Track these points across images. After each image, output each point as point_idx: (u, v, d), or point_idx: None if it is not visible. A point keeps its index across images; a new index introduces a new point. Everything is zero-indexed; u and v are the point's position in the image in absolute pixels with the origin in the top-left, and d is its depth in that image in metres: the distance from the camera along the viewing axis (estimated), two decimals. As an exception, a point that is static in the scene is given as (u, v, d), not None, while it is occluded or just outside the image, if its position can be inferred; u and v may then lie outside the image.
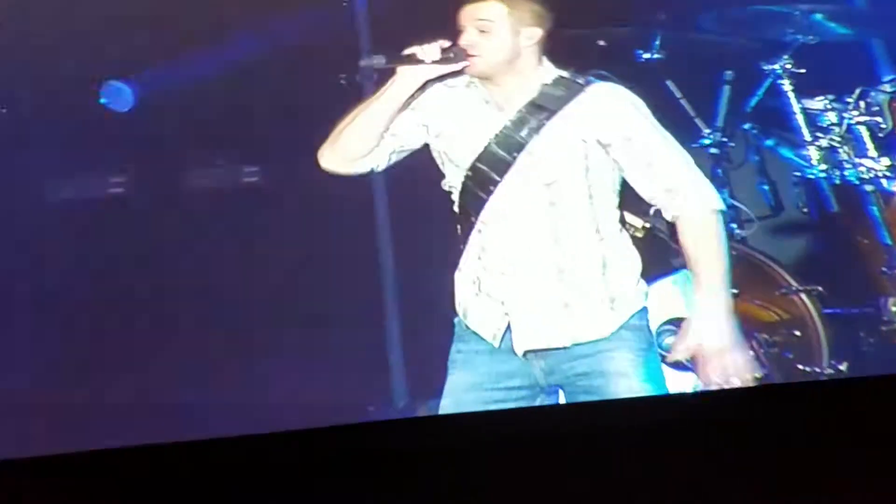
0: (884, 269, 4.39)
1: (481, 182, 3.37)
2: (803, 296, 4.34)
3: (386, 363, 4.72)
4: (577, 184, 3.36)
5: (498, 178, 3.35)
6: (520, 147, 3.35)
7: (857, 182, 4.48)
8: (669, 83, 4.74)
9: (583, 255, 3.37)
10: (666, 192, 3.33)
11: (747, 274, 4.39)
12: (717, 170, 4.67)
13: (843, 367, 4.18)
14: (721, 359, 3.25)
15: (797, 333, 4.32)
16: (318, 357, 4.53)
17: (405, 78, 3.39)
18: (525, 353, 3.35)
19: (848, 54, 4.82)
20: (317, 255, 4.71)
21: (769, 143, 4.69)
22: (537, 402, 3.41)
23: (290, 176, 4.74)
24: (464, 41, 3.37)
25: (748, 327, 4.14)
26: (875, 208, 4.46)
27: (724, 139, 4.70)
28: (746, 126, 4.70)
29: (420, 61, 3.36)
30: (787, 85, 4.61)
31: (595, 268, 3.36)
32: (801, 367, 4.21)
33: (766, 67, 4.61)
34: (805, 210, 4.70)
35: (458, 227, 3.47)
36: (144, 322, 4.63)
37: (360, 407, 4.47)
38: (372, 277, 4.77)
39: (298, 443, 3.75)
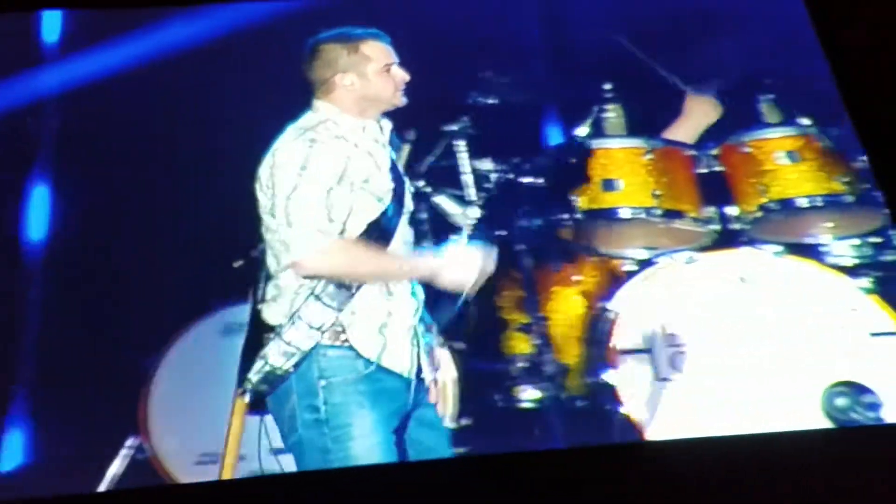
0: (522, 327, 4.60)
1: (394, 212, 3.49)
2: (445, 350, 4.14)
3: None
4: None
5: (407, 204, 3.52)
6: (403, 171, 3.59)
7: (512, 241, 4.67)
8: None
9: None
10: None
11: None
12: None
13: (467, 422, 4.25)
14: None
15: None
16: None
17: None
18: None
19: (521, 119, 5.06)
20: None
21: (437, 200, 4.68)
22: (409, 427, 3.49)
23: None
24: (401, 76, 3.57)
25: None
26: (524, 267, 4.67)
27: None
28: (420, 184, 4.74)
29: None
30: (461, 146, 4.77)
31: None
32: None
33: (444, 128, 4.76)
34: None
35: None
36: None
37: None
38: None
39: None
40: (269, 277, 3.48)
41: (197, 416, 4.30)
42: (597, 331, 4.54)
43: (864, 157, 4.64)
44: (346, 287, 3.38)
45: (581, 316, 4.65)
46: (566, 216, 4.74)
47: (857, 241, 4.70)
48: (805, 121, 4.83)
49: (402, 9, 5.09)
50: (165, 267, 4.62)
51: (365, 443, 3.33)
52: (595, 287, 4.71)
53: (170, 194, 4.77)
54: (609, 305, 4.56)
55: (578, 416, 4.41)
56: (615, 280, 4.68)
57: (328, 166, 3.39)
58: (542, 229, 4.76)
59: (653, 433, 4.28)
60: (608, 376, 4.42)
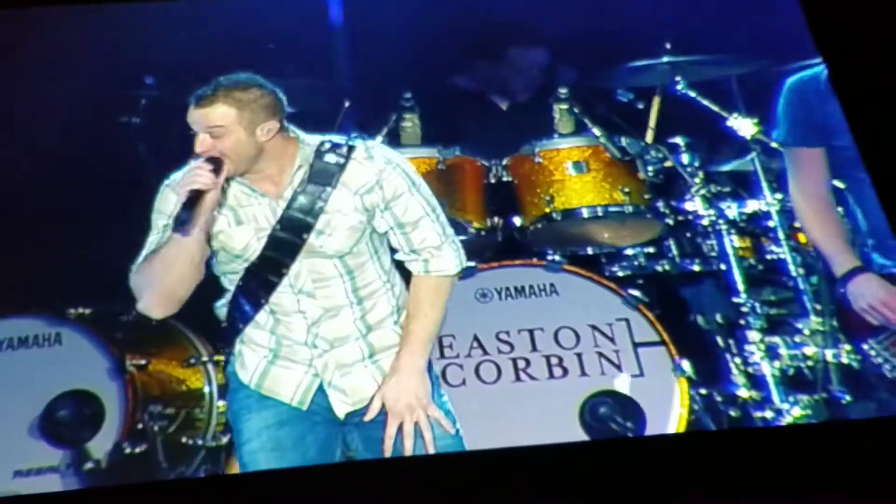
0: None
1: (272, 267, 3.39)
2: (210, 366, 4.39)
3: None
4: (364, 247, 3.46)
5: (290, 262, 3.38)
6: (307, 227, 3.38)
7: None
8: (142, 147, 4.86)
9: (381, 308, 3.48)
10: (412, 252, 3.49)
11: (160, 344, 4.46)
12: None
13: (226, 439, 4.25)
14: (404, 419, 3.37)
15: (191, 405, 4.35)
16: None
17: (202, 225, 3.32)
18: (346, 415, 3.41)
19: (317, 125, 4.96)
20: None
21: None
22: (339, 437, 3.46)
23: None
24: (199, 147, 3.32)
25: (145, 401, 4.24)
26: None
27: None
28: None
29: (205, 192, 3.29)
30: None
31: (390, 317, 3.49)
32: (184, 439, 4.27)
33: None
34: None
35: (236, 304, 3.46)
36: None
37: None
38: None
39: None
40: None
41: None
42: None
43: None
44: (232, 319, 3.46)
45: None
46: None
47: (631, 252, 4.71)
48: (596, 131, 4.83)
49: (210, 11, 5.03)
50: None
51: (249, 447, 3.37)
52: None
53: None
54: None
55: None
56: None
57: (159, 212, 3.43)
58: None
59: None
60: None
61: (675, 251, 4.71)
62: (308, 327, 3.42)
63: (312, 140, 3.48)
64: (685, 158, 4.77)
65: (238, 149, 3.36)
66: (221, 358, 4.38)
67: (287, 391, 3.41)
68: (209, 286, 4.56)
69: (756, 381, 4.29)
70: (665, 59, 5.00)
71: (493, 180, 4.86)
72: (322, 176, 3.42)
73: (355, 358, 3.45)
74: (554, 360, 4.28)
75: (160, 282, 3.32)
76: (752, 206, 4.63)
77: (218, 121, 3.33)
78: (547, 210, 4.71)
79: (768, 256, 4.56)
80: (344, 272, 3.45)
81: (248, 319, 3.44)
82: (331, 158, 3.44)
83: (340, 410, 3.42)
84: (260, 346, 3.44)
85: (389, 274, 3.53)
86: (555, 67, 5.27)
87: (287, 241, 3.39)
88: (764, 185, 4.61)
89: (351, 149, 3.46)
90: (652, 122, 4.94)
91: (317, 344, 3.41)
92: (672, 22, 5.11)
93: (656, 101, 4.99)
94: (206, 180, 3.29)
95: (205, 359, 4.44)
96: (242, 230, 3.42)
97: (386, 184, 3.47)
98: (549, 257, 4.56)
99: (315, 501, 3.71)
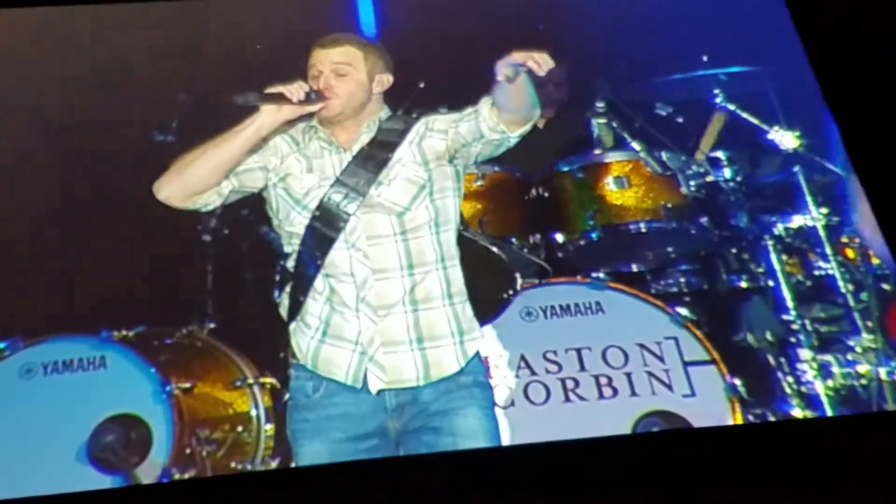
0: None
1: (330, 220, 3.43)
2: (256, 388, 4.34)
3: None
4: (423, 210, 3.48)
5: (349, 214, 3.42)
6: (368, 181, 3.46)
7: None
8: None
9: (430, 285, 3.47)
10: (474, 112, 3.52)
11: (205, 367, 4.40)
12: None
13: (274, 463, 4.20)
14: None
15: (239, 429, 4.29)
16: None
17: (267, 117, 3.42)
18: (379, 392, 3.40)
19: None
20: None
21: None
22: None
23: None
24: (322, 84, 3.48)
25: (192, 424, 4.19)
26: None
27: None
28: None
29: (287, 101, 3.41)
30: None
31: (442, 298, 3.48)
32: (233, 464, 4.20)
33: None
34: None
35: (294, 278, 3.48)
36: None
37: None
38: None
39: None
40: None
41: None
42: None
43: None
44: (294, 299, 3.46)
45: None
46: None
47: (676, 268, 4.66)
48: (636, 145, 4.79)
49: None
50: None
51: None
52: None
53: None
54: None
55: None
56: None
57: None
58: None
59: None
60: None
61: (720, 267, 4.66)
62: (357, 291, 3.41)
63: (388, 111, 3.64)
64: (727, 173, 4.72)
65: (355, 92, 3.53)
66: (267, 380, 4.40)
67: (340, 371, 3.41)
68: (252, 306, 4.61)
69: (810, 400, 4.24)
70: (701, 72, 4.96)
71: (533, 196, 4.81)
72: (390, 134, 3.54)
73: (402, 339, 3.43)
74: (603, 380, 4.24)
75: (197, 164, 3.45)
76: (797, 221, 4.57)
77: (346, 58, 3.52)
78: (588, 226, 4.67)
79: (816, 272, 4.51)
80: (398, 231, 3.46)
81: (308, 288, 3.44)
82: (401, 120, 3.58)
83: (374, 386, 3.41)
84: (311, 321, 3.44)
85: (446, 256, 3.51)
86: (590, 82, 5.22)
87: (348, 191, 3.45)
88: (808, 199, 4.57)
89: (422, 114, 3.61)
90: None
91: (360, 309, 3.40)
92: (709, 34, 5.07)
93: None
94: (296, 93, 3.42)
95: (250, 381, 4.38)
96: (309, 177, 3.49)
97: (430, 121, 3.58)
98: (593, 274, 4.51)
99: (331, 500, 3.68)
